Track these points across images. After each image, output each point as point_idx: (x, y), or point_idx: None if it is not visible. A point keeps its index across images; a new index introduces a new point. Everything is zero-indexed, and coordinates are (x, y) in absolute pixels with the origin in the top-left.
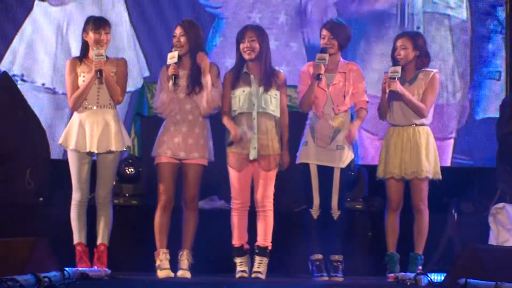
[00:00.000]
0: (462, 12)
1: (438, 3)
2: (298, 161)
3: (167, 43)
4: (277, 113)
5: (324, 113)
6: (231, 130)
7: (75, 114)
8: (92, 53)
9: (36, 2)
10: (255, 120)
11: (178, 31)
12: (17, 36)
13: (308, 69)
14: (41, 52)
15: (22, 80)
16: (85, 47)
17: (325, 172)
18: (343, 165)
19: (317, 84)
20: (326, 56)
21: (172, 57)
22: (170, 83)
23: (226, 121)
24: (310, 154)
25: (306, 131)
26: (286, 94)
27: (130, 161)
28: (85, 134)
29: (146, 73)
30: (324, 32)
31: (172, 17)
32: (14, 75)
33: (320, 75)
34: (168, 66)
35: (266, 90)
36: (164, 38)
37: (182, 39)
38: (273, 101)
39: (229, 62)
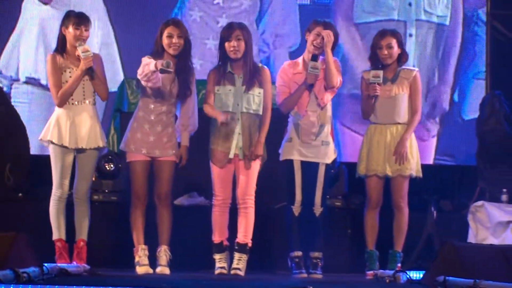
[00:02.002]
0: (446, 19)
1: (428, 11)
2: (282, 158)
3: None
4: (260, 112)
5: (308, 111)
6: (217, 115)
7: (60, 109)
8: (78, 49)
9: (23, 5)
10: (239, 121)
11: (174, 31)
12: (9, 42)
13: (288, 69)
14: (23, 47)
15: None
16: (63, 41)
17: (308, 168)
18: (329, 161)
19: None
20: (319, 64)
21: (168, 66)
22: (154, 64)
23: (209, 109)
24: (294, 151)
25: (290, 128)
26: (270, 91)
27: (110, 157)
28: (75, 129)
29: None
30: (319, 29)
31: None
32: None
33: (313, 85)
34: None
35: (248, 89)
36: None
37: (180, 41)
38: (256, 100)
39: (197, 62)
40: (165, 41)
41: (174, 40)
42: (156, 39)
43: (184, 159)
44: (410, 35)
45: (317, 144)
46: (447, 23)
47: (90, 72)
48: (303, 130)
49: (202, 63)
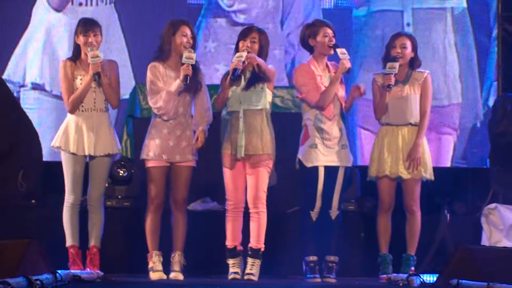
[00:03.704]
0: (461, 2)
1: None
2: (308, 165)
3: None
4: (266, 106)
5: (335, 114)
6: (227, 77)
7: (70, 116)
8: (88, 55)
9: (34, 11)
10: (241, 119)
11: (188, 32)
12: (18, 48)
13: (311, 67)
14: (29, 53)
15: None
16: (77, 48)
17: (330, 173)
18: (350, 164)
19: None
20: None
21: (190, 57)
22: (178, 83)
23: (221, 95)
24: (320, 157)
25: (312, 133)
26: (271, 90)
27: (123, 163)
28: (82, 137)
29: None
30: (328, 30)
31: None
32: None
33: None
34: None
35: (248, 86)
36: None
37: (191, 40)
38: (260, 94)
39: (223, 68)
40: (182, 39)
41: (187, 39)
42: (163, 38)
43: (200, 141)
44: (408, 24)
45: (339, 148)
46: (464, 4)
47: (97, 78)
48: (326, 135)
49: (227, 68)
